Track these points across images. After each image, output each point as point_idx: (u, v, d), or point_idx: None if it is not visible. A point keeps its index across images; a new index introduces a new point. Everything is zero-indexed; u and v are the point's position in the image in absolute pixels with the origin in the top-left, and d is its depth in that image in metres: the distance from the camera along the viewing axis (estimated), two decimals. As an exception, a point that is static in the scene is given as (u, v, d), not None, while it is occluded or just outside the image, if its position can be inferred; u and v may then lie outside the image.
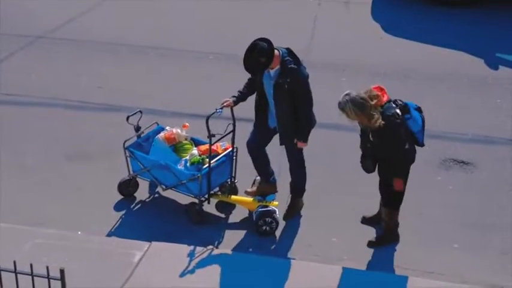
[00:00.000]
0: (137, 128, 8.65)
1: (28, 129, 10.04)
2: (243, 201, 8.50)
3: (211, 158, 8.29)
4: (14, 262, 5.40)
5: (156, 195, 8.86)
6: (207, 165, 8.28)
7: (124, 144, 8.50)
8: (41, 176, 9.18)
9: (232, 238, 8.30)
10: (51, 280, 5.34)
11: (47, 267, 5.32)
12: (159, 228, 8.41)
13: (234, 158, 8.54)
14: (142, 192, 8.84)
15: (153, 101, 10.47)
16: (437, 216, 8.61)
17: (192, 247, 8.02)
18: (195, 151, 8.51)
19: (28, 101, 10.61)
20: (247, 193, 8.55)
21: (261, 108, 8.28)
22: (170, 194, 8.69)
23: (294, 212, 8.51)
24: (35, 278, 5.39)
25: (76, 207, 8.69)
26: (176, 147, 8.57)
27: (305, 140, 8.12)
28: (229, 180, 8.58)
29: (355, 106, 7.38)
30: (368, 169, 7.80)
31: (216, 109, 8.19)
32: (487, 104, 10.49)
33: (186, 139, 8.67)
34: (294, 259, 7.94)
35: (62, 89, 10.85)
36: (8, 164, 9.36)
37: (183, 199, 8.60)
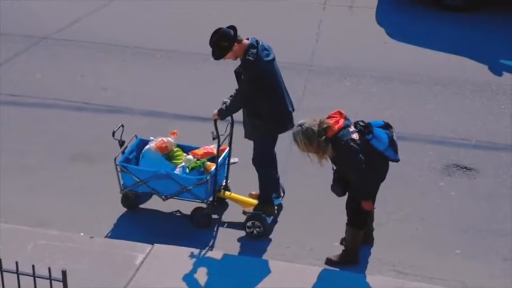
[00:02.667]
0: (122, 143, 8.50)
1: (32, 130, 10.05)
2: (246, 202, 8.51)
3: (218, 159, 8.30)
4: (16, 263, 5.41)
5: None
6: (213, 167, 8.28)
7: (115, 160, 8.39)
8: (44, 177, 9.19)
9: (234, 241, 8.30)
10: (53, 281, 5.35)
11: (49, 269, 5.33)
12: (161, 231, 8.42)
13: (227, 158, 8.58)
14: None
15: (157, 103, 10.49)
16: (440, 221, 8.61)
17: (194, 249, 8.03)
18: (190, 156, 8.50)
19: (32, 102, 10.62)
20: (251, 195, 8.57)
21: None
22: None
23: (258, 210, 8.37)
24: (36, 279, 5.39)
25: (79, 208, 8.70)
26: (169, 155, 8.54)
27: (220, 115, 8.08)
28: (225, 181, 8.61)
29: (305, 138, 7.30)
30: (337, 193, 7.71)
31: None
32: (490, 110, 10.49)
33: (176, 146, 8.64)
34: (295, 263, 7.93)
35: (66, 90, 10.87)
36: (12, 165, 9.38)
37: (182, 203, 8.56)
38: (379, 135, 7.55)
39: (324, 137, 7.30)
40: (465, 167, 9.41)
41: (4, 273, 5.45)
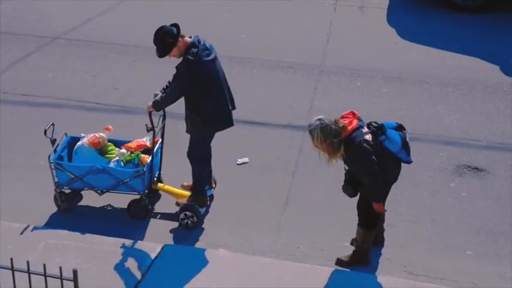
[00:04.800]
0: (53, 141, 8.53)
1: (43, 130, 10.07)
2: (177, 193, 8.61)
3: (153, 151, 8.43)
4: (27, 262, 5.42)
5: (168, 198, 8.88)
6: (148, 159, 8.40)
7: (49, 158, 8.41)
8: (56, 177, 9.22)
9: (244, 241, 8.31)
10: (64, 281, 5.36)
11: (60, 268, 5.34)
12: (172, 231, 8.43)
13: (160, 150, 8.69)
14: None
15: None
16: (451, 222, 8.59)
17: (205, 249, 8.04)
18: (123, 150, 8.57)
19: (44, 102, 10.66)
20: (183, 187, 8.69)
21: None
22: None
23: (191, 201, 8.47)
24: (47, 278, 5.40)
25: (90, 208, 8.71)
26: (101, 150, 8.59)
27: (154, 106, 8.23)
28: (158, 172, 8.72)
29: (322, 134, 7.30)
30: (349, 194, 7.71)
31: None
32: (502, 111, 10.46)
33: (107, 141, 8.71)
34: (306, 263, 7.93)
35: (78, 90, 10.91)
36: (24, 165, 9.42)
37: (113, 197, 8.61)
38: (392, 137, 7.53)
39: (338, 139, 7.30)
40: (476, 168, 9.39)
41: (15, 272, 5.47)
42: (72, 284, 5.34)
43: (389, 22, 12.62)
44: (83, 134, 8.68)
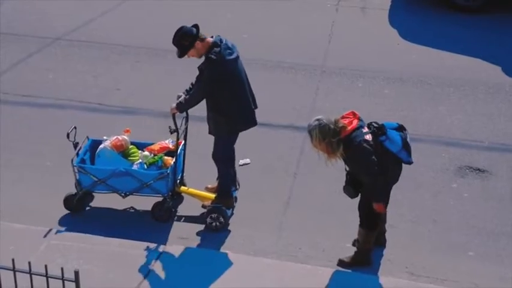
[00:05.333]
0: (76, 144, 8.51)
1: (46, 131, 10.09)
2: (202, 196, 8.57)
3: (177, 153, 8.41)
4: (29, 263, 5.42)
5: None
6: (171, 161, 8.38)
7: (72, 161, 8.40)
8: (58, 178, 9.21)
9: (246, 241, 8.31)
10: (65, 281, 5.36)
11: (62, 269, 5.35)
12: (174, 231, 8.43)
13: (183, 152, 8.66)
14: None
15: (170, 104, 10.48)
16: (452, 223, 8.59)
17: (207, 250, 8.04)
18: (146, 153, 8.55)
19: (46, 103, 10.66)
20: (207, 189, 8.66)
21: None
22: (187, 200, 8.71)
23: (218, 203, 8.45)
24: (49, 279, 5.41)
25: (91, 208, 8.71)
26: (124, 153, 8.57)
27: (178, 108, 8.24)
28: (181, 174, 8.68)
29: (320, 133, 7.30)
30: (349, 195, 7.69)
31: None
32: (503, 112, 10.46)
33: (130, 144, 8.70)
34: (307, 264, 7.93)
35: (79, 90, 10.91)
36: (25, 165, 9.42)
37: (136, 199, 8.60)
38: (393, 137, 7.53)
39: (337, 138, 7.30)
40: (478, 169, 9.38)
41: (17, 273, 5.47)
42: (73, 284, 5.34)
43: (391, 23, 12.62)
44: (105, 137, 8.65)
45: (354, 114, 7.53)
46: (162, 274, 7.68)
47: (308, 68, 11.36)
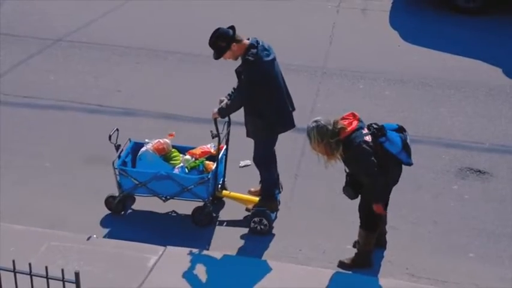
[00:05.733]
0: (118, 146, 8.51)
1: (46, 132, 10.09)
2: (245, 199, 8.54)
3: (218, 158, 8.37)
4: (30, 264, 5.43)
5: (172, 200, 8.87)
6: (212, 166, 8.35)
7: (113, 164, 8.39)
8: (58, 179, 9.22)
9: (246, 243, 8.31)
10: (66, 283, 5.37)
11: (62, 270, 5.35)
12: (174, 233, 8.43)
13: (225, 157, 8.63)
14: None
15: (171, 106, 10.51)
16: (453, 225, 8.58)
17: (207, 252, 8.04)
18: (187, 156, 8.53)
19: (46, 104, 10.66)
20: (250, 192, 8.62)
21: None
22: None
23: (261, 206, 8.43)
24: (49, 280, 5.41)
25: (92, 210, 8.71)
26: (166, 156, 8.55)
27: (220, 113, 8.19)
28: (222, 179, 8.66)
29: (318, 135, 7.31)
30: (349, 196, 7.68)
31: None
32: (504, 113, 10.46)
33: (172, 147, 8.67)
34: (308, 265, 7.92)
35: (80, 92, 10.91)
36: (25, 166, 9.42)
37: (178, 203, 8.59)
38: (393, 138, 7.53)
39: (335, 139, 7.30)
40: (479, 170, 9.38)
41: (17, 274, 5.47)
42: (74, 286, 5.34)
43: (392, 24, 12.62)
44: (147, 140, 8.63)
45: (353, 115, 7.53)
46: (162, 275, 7.67)
47: (309, 70, 11.36)
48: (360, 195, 7.70)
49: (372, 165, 7.34)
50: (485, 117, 10.39)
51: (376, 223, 7.78)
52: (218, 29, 8.04)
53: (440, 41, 12.05)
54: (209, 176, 8.25)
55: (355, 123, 7.44)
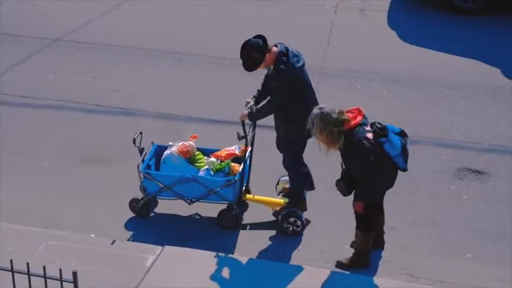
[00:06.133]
0: (141, 150, 8.45)
1: (44, 132, 10.08)
2: (272, 202, 8.52)
3: (245, 160, 8.37)
4: (27, 264, 5.42)
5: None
6: (238, 168, 8.33)
7: (138, 167, 8.32)
8: (56, 179, 9.22)
9: (244, 243, 8.30)
10: (63, 282, 5.36)
11: (60, 270, 5.34)
12: (172, 233, 8.42)
13: (249, 159, 8.59)
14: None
15: (169, 106, 10.51)
16: (451, 225, 8.59)
17: (205, 252, 8.03)
18: (212, 159, 8.50)
19: (44, 104, 10.65)
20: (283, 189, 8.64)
21: None
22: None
23: (291, 207, 8.47)
24: (47, 280, 5.40)
25: (90, 210, 8.71)
26: (190, 159, 8.53)
27: (251, 117, 8.15)
28: (247, 181, 8.63)
29: (322, 122, 7.31)
30: (342, 191, 7.64)
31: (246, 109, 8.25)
32: (503, 114, 10.46)
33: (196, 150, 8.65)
34: (305, 266, 7.92)
35: (78, 92, 10.90)
36: (24, 166, 9.42)
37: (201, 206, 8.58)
38: (393, 141, 7.52)
39: (338, 129, 7.29)
40: (477, 171, 9.38)
41: (15, 274, 5.46)
42: (72, 285, 5.33)
43: (390, 25, 12.62)
44: (170, 143, 8.59)
45: (359, 110, 7.52)
46: (159, 275, 7.67)
47: (307, 70, 11.34)
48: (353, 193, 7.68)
49: (368, 162, 7.33)
50: (484, 117, 10.39)
51: (371, 223, 7.76)
52: (248, 40, 7.97)
53: (438, 41, 12.05)
54: (236, 178, 8.22)
55: (359, 118, 7.44)
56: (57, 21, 12.59)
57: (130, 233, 8.37)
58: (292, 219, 8.30)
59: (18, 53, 11.75)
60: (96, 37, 12.17)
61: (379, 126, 7.52)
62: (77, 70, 11.42)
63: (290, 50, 8.05)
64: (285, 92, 7.97)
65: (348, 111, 7.47)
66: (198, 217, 8.64)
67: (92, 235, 8.25)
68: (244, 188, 8.55)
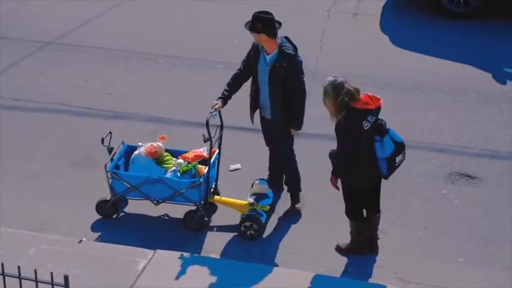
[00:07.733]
0: (110, 149, 8.49)
1: (36, 135, 10.07)
2: (235, 204, 8.53)
3: (211, 162, 8.37)
4: (18, 267, 5.42)
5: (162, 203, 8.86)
6: (204, 170, 8.34)
7: (105, 167, 8.37)
8: (48, 182, 9.20)
9: (236, 246, 8.31)
10: (55, 286, 5.35)
11: (51, 273, 5.34)
12: (164, 236, 8.42)
13: (217, 161, 8.63)
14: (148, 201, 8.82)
15: (161, 109, 10.51)
16: (442, 229, 8.60)
17: (196, 255, 8.04)
18: (180, 160, 8.51)
19: (36, 107, 10.64)
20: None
21: (255, 97, 8.46)
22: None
23: (296, 204, 8.67)
24: (39, 283, 5.40)
25: (81, 213, 8.70)
26: (158, 160, 8.54)
27: (300, 128, 8.34)
28: (214, 183, 8.65)
29: (333, 90, 7.40)
30: (331, 158, 7.69)
31: (211, 112, 8.27)
32: (494, 118, 10.48)
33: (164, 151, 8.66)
34: (297, 269, 7.92)
35: (70, 95, 10.90)
36: (15, 169, 9.40)
37: (171, 207, 8.58)
38: (386, 144, 7.52)
39: (344, 99, 7.34)
40: (468, 175, 9.40)
41: (6, 277, 5.46)
42: (63, 289, 5.33)
43: (383, 29, 12.64)
44: (140, 143, 8.62)
45: (377, 100, 7.55)
46: (151, 279, 7.66)
47: (299, 74, 11.35)
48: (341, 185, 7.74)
49: (349, 144, 7.38)
50: (475, 122, 10.41)
51: (357, 211, 7.80)
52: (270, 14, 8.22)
53: (431, 46, 12.08)
54: (201, 180, 8.24)
55: (370, 106, 7.46)
56: (50, 25, 12.58)
57: (122, 237, 8.35)
58: (248, 223, 8.30)
59: (10, 56, 11.73)
60: (89, 40, 12.16)
61: (381, 123, 7.53)
62: (69, 73, 11.41)
63: (286, 39, 8.38)
64: (302, 73, 8.21)
65: (366, 95, 7.51)
66: (167, 218, 8.65)
67: (84, 239, 8.24)
68: (212, 189, 8.56)
